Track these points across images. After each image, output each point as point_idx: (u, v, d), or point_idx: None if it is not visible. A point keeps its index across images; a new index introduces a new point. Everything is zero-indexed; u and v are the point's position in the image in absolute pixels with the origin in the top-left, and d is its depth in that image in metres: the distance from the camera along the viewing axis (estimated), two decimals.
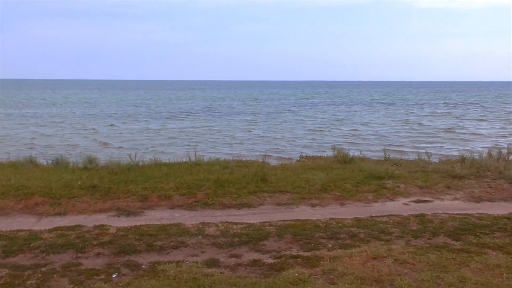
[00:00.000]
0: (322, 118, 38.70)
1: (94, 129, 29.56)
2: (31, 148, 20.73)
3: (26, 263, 5.40)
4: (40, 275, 5.03)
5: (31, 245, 6.00)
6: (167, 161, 11.73)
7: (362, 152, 15.02)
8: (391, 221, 7.09)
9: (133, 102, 65.21)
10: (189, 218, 7.35)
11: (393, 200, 8.53)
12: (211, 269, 5.16)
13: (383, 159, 12.47)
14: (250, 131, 28.93)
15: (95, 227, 6.79)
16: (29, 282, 4.85)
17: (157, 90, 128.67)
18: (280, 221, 7.11)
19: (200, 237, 6.34)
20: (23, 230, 6.62)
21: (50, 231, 6.57)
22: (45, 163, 11.53)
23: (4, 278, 4.95)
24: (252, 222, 7.07)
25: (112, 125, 31.97)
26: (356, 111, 47.91)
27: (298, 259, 5.49)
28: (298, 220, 7.15)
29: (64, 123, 33.13)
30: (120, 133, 27.90)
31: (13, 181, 9.16)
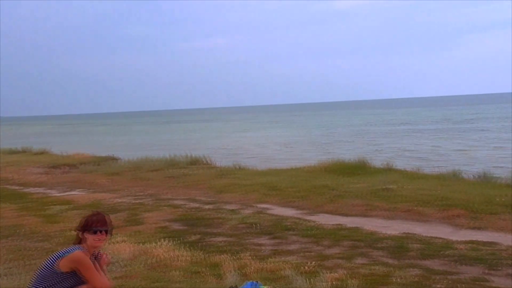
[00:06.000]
0: None
1: None
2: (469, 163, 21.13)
3: (437, 268, 5.78)
4: (447, 282, 5.29)
5: (445, 252, 6.34)
6: None
7: None
8: None
9: None
10: None
11: None
12: None
13: None
14: None
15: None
16: (436, 286, 5.20)
17: None
18: None
19: None
20: (439, 238, 7.07)
21: (464, 243, 6.73)
22: (468, 177, 11.70)
23: (417, 277, 5.49)
24: None
25: None
26: None
27: None
28: None
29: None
30: None
31: (438, 191, 9.82)
